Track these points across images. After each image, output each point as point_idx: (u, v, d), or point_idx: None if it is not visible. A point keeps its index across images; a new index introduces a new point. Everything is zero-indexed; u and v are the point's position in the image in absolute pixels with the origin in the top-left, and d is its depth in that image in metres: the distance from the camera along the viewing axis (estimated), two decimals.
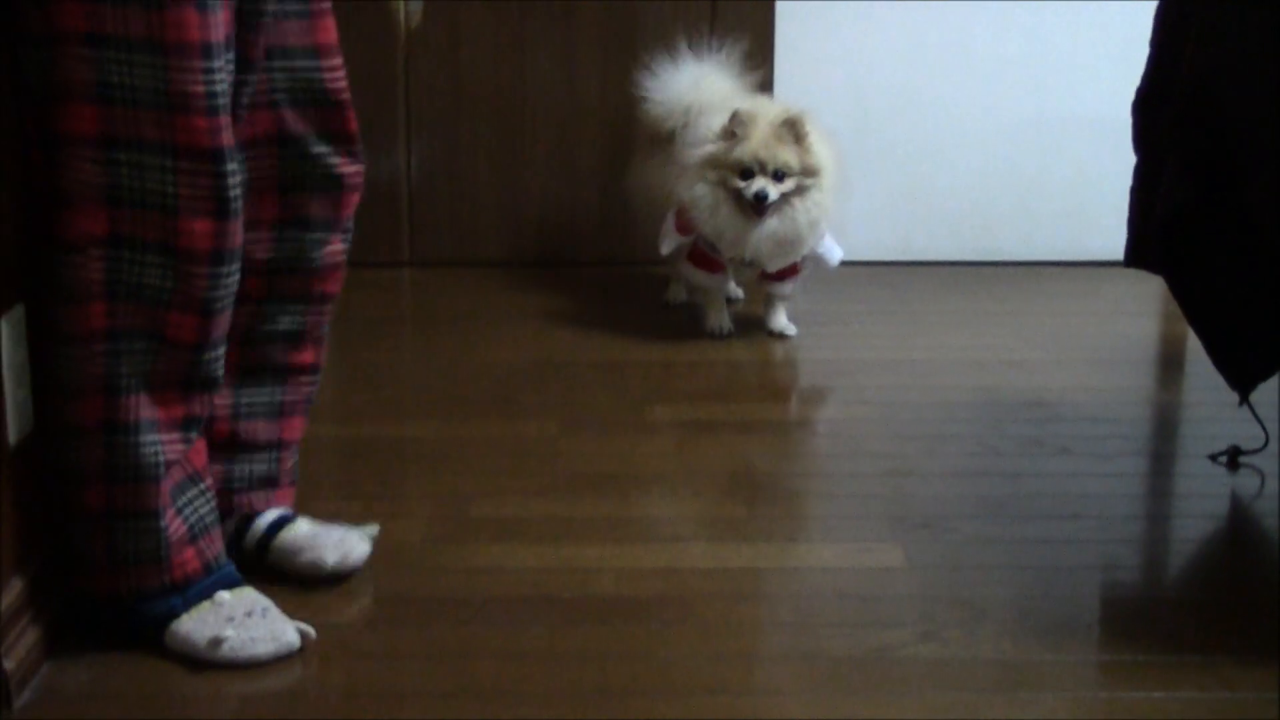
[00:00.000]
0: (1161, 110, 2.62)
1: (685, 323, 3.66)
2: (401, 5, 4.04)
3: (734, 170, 3.34)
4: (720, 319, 3.57)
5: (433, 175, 4.16)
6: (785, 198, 3.35)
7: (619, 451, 2.93)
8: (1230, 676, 2.11)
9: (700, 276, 3.56)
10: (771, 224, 3.37)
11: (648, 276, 3.94)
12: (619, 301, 3.88)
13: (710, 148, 3.38)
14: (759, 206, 3.33)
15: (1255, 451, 2.84)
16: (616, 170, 3.92)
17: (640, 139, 3.76)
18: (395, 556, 2.45)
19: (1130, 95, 2.72)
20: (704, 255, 3.50)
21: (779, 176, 3.34)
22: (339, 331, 3.79)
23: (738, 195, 3.35)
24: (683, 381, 3.34)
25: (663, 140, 3.61)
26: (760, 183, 3.32)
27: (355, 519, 2.55)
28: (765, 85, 3.87)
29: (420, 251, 4.20)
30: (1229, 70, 2.46)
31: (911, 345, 3.58)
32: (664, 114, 3.59)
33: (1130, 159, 2.74)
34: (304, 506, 2.63)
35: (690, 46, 3.64)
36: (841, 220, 3.58)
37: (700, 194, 3.38)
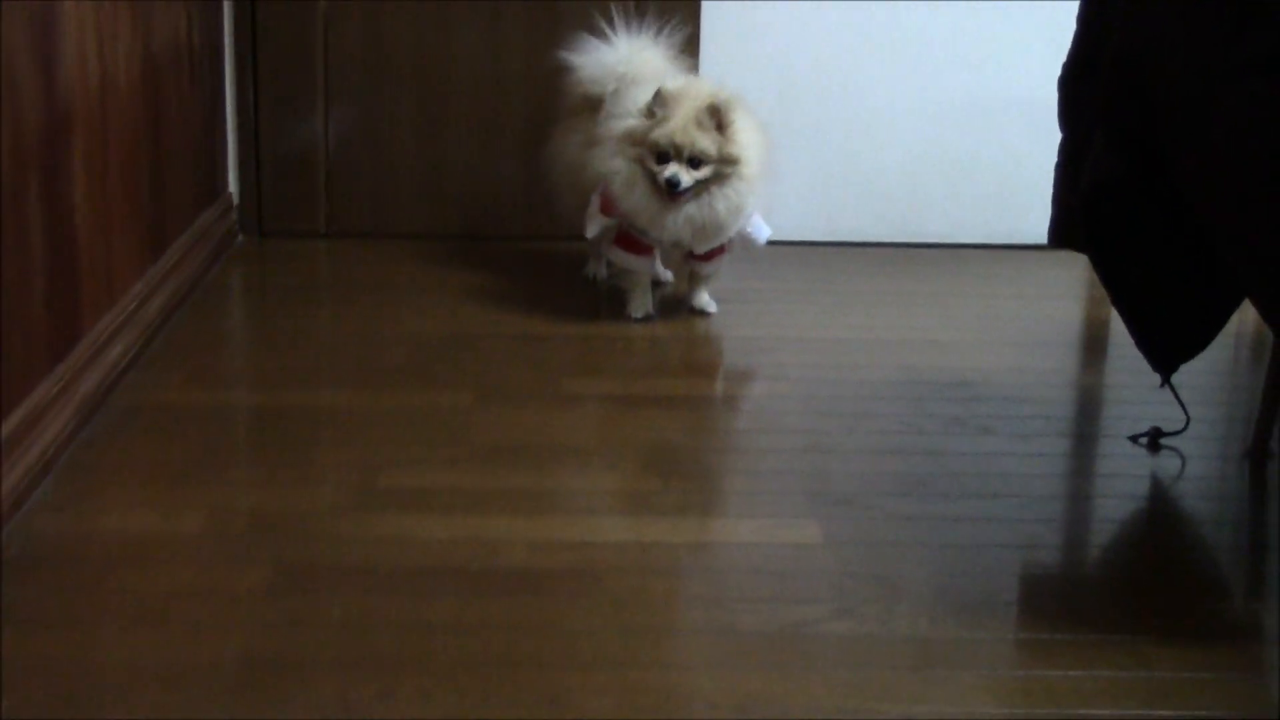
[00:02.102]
0: (1088, 84, 2.60)
1: (606, 298, 3.60)
2: None
3: (650, 151, 3.26)
4: (644, 303, 3.50)
5: (351, 145, 4.08)
6: (704, 184, 3.27)
7: (534, 424, 2.87)
8: (1148, 655, 2.08)
9: (627, 259, 3.48)
10: (689, 210, 3.29)
11: (570, 251, 3.87)
12: (540, 276, 3.81)
13: (631, 123, 3.31)
14: (672, 192, 3.25)
15: (1176, 433, 2.82)
16: (541, 142, 3.85)
17: (562, 110, 3.69)
18: (299, 525, 2.38)
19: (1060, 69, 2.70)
20: (631, 238, 3.44)
21: (695, 163, 3.25)
22: (253, 301, 3.73)
23: (653, 177, 3.28)
24: (602, 356, 3.28)
25: (585, 112, 3.54)
26: (673, 169, 3.24)
27: (260, 486, 2.50)
28: (691, 60, 3.81)
29: (338, 222, 4.11)
30: (1154, 42, 2.43)
31: (835, 324, 3.54)
32: (593, 83, 3.51)
33: (1057, 142, 2.72)
34: (208, 474, 2.57)
35: (617, 19, 3.56)
36: (768, 201, 3.53)
37: (617, 168, 3.30)
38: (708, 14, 4.03)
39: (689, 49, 3.76)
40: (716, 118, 3.26)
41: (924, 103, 4.16)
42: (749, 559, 2.34)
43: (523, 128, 4.04)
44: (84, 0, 2.74)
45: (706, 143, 3.25)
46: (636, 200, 3.30)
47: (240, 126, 4.00)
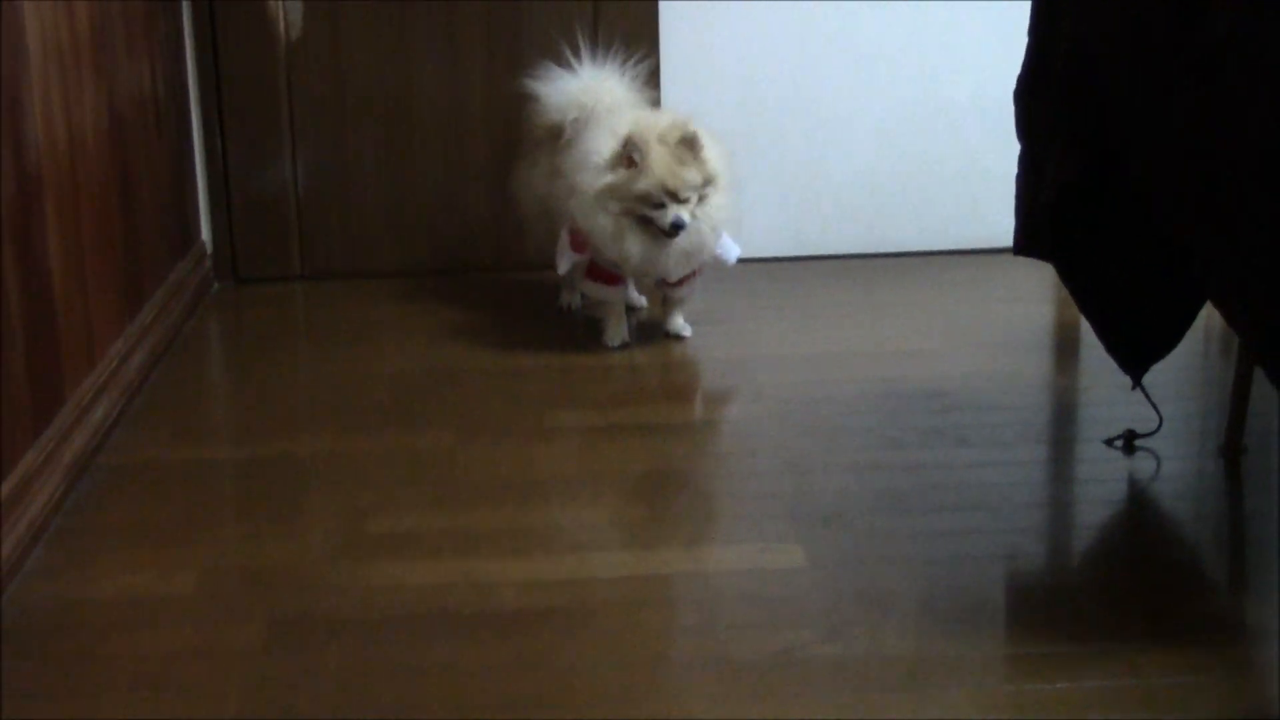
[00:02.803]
0: (1043, 96, 2.63)
1: (581, 327, 3.63)
2: (281, 14, 3.98)
3: (642, 202, 3.28)
4: (619, 331, 3.52)
5: (321, 185, 4.10)
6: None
7: (517, 460, 2.89)
8: (1136, 663, 2.12)
9: (600, 290, 3.50)
10: (679, 241, 3.32)
11: (543, 281, 3.90)
12: (514, 307, 3.84)
13: (609, 178, 3.30)
14: (677, 233, 3.29)
15: (1150, 434, 2.86)
16: (506, 174, 3.87)
17: (526, 141, 3.71)
18: (290, 578, 2.40)
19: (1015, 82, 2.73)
20: (602, 269, 3.46)
21: (684, 199, 3.30)
22: (232, 349, 3.75)
23: (644, 220, 3.29)
24: (581, 386, 3.31)
25: (548, 141, 3.57)
26: (675, 211, 3.26)
27: (250, 540, 2.52)
28: (652, 80, 3.83)
29: (312, 264, 4.13)
30: (1103, 46, 2.46)
31: (808, 340, 3.58)
32: (557, 111, 3.53)
33: (1016, 143, 2.75)
34: (198, 531, 2.59)
35: (576, 48, 3.58)
36: (739, 212, 3.56)
37: (603, 224, 3.30)
38: (666, 36, 4.06)
39: (650, 72, 3.79)
40: (691, 148, 3.29)
41: (883, 112, 4.20)
42: (737, 586, 2.38)
43: (488, 159, 4.07)
44: (48, 61, 2.76)
45: (693, 176, 3.29)
46: (627, 248, 3.32)
47: (210, 174, 4.02)
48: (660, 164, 3.26)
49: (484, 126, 4.09)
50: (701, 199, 3.33)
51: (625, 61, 3.60)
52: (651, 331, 3.60)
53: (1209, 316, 3.36)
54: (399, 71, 4.05)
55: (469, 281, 4.06)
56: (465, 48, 4.05)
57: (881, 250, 4.24)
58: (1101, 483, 2.78)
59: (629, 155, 3.27)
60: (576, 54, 3.58)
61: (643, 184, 3.26)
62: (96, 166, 3.06)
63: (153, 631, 2.25)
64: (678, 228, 3.27)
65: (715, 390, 3.42)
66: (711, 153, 3.35)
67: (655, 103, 3.75)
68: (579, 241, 3.40)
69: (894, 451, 2.88)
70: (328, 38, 4.01)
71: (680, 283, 3.51)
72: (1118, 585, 2.42)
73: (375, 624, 2.26)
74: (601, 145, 3.33)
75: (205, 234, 4.05)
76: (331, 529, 2.59)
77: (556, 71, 3.57)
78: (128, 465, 2.86)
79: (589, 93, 3.52)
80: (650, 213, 3.28)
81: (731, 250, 3.51)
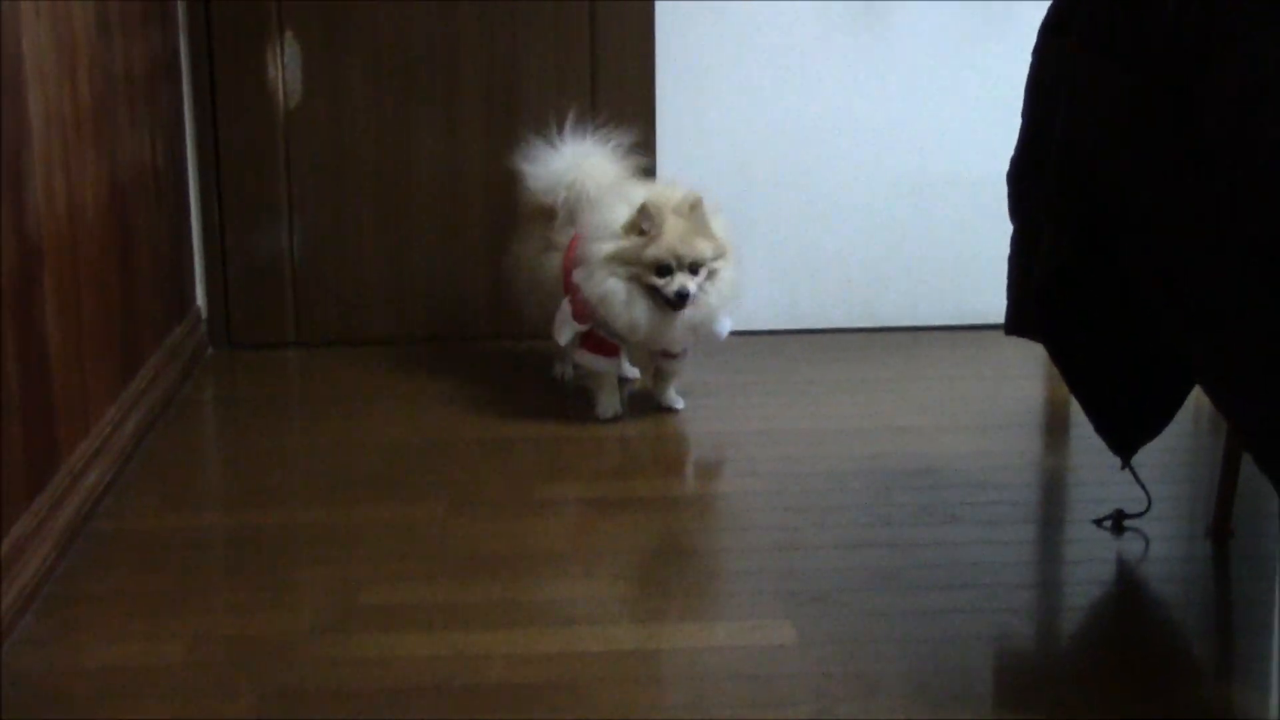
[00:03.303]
0: (1035, 179, 2.66)
1: (575, 398, 3.64)
2: (280, 83, 4.02)
3: (649, 268, 3.29)
4: (611, 403, 3.53)
5: (317, 254, 4.12)
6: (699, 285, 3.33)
7: (509, 532, 2.90)
8: None
9: (595, 361, 3.50)
10: (687, 313, 3.34)
11: (536, 351, 3.92)
12: (508, 377, 3.85)
13: (620, 244, 3.31)
14: (682, 303, 3.30)
15: (1139, 515, 2.87)
16: (503, 243, 3.90)
17: (520, 216, 3.74)
18: (280, 649, 2.41)
19: (1008, 164, 2.76)
20: (598, 339, 3.46)
21: (694, 269, 3.31)
22: (225, 416, 3.75)
23: (652, 290, 3.30)
24: (573, 459, 3.32)
25: (541, 218, 3.59)
26: (680, 280, 3.28)
27: (240, 611, 2.52)
28: (648, 156, 3.87)
29: (306, 331, 4.15)
30: (1097, 137, 2.49)
31: (801, 415, 3.59)
32: (543, 193, 3.55)
33: (1009, 219, 2.77)
34: (188, 600, 2.59)
35: (571, 122, 3.60)
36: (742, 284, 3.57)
37: (613, 290, 3.31)
38: (662, 109, 4.10)
39: (645, 147, 3.82)
40: (700, 217, 3.31)
41: (876, 187, 4.23)
42: (727, 663, 2.38)
43: (484, 228, 4.10)
44: (51, 129, 2.79)
45: (704, 247, 3.30)
46: (636, 317, 3.32)
47: (206, 240, 4.04)
48: (673, 232, 3.28)
49: (481, 195, 4.12)
50: (712, 273, 3.34)
51: (610, 133, 3.60)
52: (643, 403, 3.61)
53: (1199, 397, 3.38)
54: (397, 140, 4.09)
55: (464, 350, 4.08)
56: (464, 118, 4.08)
57: (874, 325, 4.26)
58: (1090, 563, 2.79)
59: (640, 224, 3.29)
60: (571, 128, 3.59)
61: (654, 250, 3.28)
62: (96, 235, 3.08)
63: (142, 702, 2.25)
64: (682, 298, 3.28)
65: (707, 464, 3.43)
66: (718, 223, 3.38)
67: (647, 173, 3.77)
68: (582, 311, 3.41)
69: (885, 529, 2.90)
70: (326, 106, 4.04)
71: (677, 354, 3.53)
72: (1106, 668, 2.42)
73: (365, 698, 2.26)
74: (617, 214, 3.35)
75: (200, 300, 4.06)
76: (322, 600, 2.59)
77: (541, 149, 3.58)
78: (119, 532, 2.87)
79: (574, 169, 3.52)
80: (656, 281, 3.29)
81: (724, 325, 3.51)
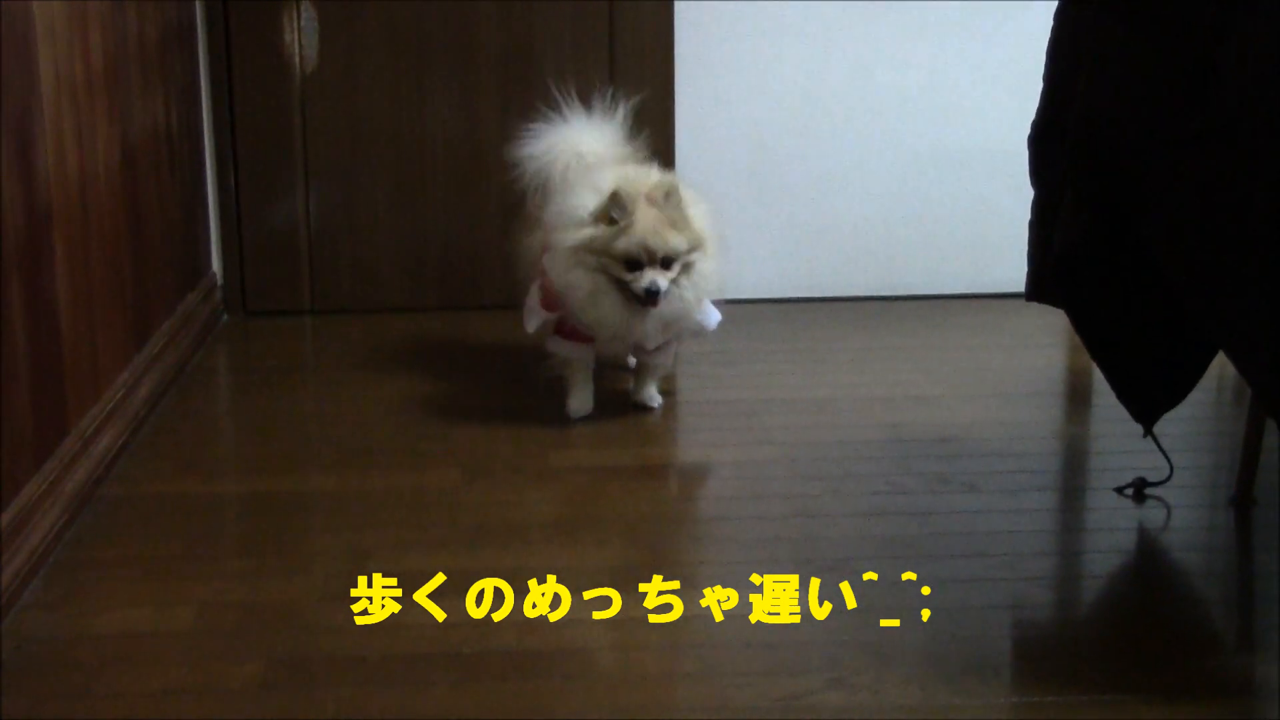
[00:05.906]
0: (1056, 144, 2.62)
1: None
2: (297, 48, 3.99)
3: (618, 260, 3.04)
4: (582, 400, 3.28)
5: (332, 221, 4.10)
6: (672, 280, 3.09)
7: (522, 500, 2.88)
8: (1141, 716, 2.09)
9: (568, 348, 3.27)
10: (659, 310, 3.09)
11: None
12: (521, 345, 3.82)
13: (588, 232, 3.06)
14: (652, 300, 3.07)
15: (1160, 483, 2.83)
16: (516, 213, 3.86)
17: (527, 203, 3.47)
18: (290, 616, 2.38)
19: (1029, 127, 2.72)
20: (573, 327, 3.22)
21: (666, 263, 3.05)
22: (239, 383, 3.74)
23: (622, 284, 3.06)
24: (587, 427, 3.29)
25: (544, 205, 3.33)
26: (650, 276, 3.02)
27: (250, 577, 2.50)
28: (666, 125, 3.83)
29: (321, 299, 4.13)
30: (1115, 107, 2.46)
31: (817, 383, 3.56)
32: (540, 172, 3.34)
33: (1029, 189, 2.74)
34: (198, 566, 2.58)
35: (584, 96, 3.41)
36: (743, 259, 3.52)
37: (578, 281, 3.07)
38: (681, 81, 4.06)
39: (663, 117, 3.78)
40: (674, 204, 3.06)
41: (895, 156, 4.20)
42: (739, 631, 2.35)
43: (499, 197, 4.06)
44: (61, 92, 2.77)
45: (678, 240, 3.05)
46: (604, 313, 3.09)
47: (222, 208, 4.03)
48: (644, 223, 3.03)
49: (497, 163, 4.06)
50: (687, 267, 3.10)
51: (616, 112, 3.39)
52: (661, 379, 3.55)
53: (1222, 365, 3.34)
54: (413, 108, 4.06)
55: (476, 318, 4.06)
56: (480, 86, 4.05)
57: (893, 293, 4.23)
58: (1111, 532, 2.75)
59: (611, 213, 3.06)
60: (578, 103, 3.39)
61: (623, 243, 3.03)
62: (107, 200, 3.06)
63: (150, 668, 2.23)
64: (652, 295, 3.04)
65: (721, 432, 3.39)
66: (697, 211, 3.14)
67: (655, 154, 3.51)
68: (551, 299, 3.20)
69: (902, 498, 2.86)
70: (343, 74, 4.01)
71: (657, 349, 3.29)
72: (1124, 637, 2.39)
73: (374, 664, 2.23)
74: (585, 201, 3.11)
75: (216, 266, 4.05)
76: (333, 567, 2.57)
77: (541, 128, 3.36)
78: (130, 497, 2.85)
79: (570, 147, 3.32)
80: (625, 275, 3.05)
81: (711, 317, 3.28)
